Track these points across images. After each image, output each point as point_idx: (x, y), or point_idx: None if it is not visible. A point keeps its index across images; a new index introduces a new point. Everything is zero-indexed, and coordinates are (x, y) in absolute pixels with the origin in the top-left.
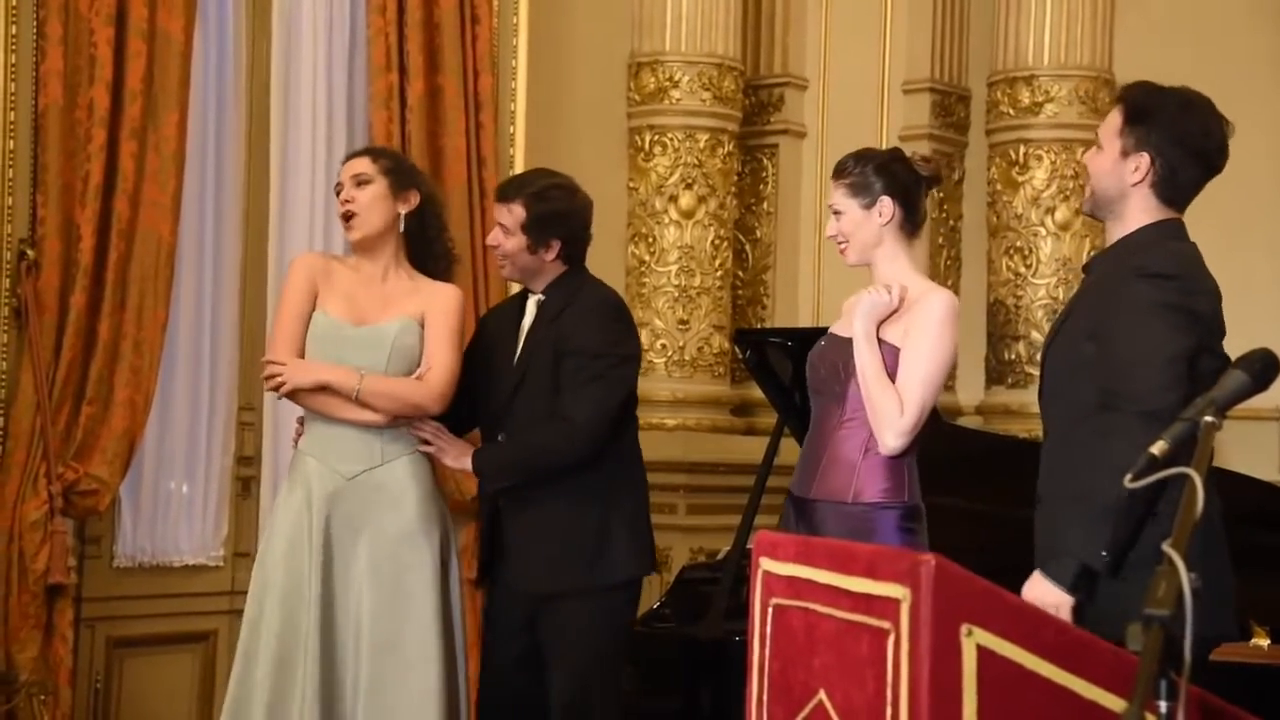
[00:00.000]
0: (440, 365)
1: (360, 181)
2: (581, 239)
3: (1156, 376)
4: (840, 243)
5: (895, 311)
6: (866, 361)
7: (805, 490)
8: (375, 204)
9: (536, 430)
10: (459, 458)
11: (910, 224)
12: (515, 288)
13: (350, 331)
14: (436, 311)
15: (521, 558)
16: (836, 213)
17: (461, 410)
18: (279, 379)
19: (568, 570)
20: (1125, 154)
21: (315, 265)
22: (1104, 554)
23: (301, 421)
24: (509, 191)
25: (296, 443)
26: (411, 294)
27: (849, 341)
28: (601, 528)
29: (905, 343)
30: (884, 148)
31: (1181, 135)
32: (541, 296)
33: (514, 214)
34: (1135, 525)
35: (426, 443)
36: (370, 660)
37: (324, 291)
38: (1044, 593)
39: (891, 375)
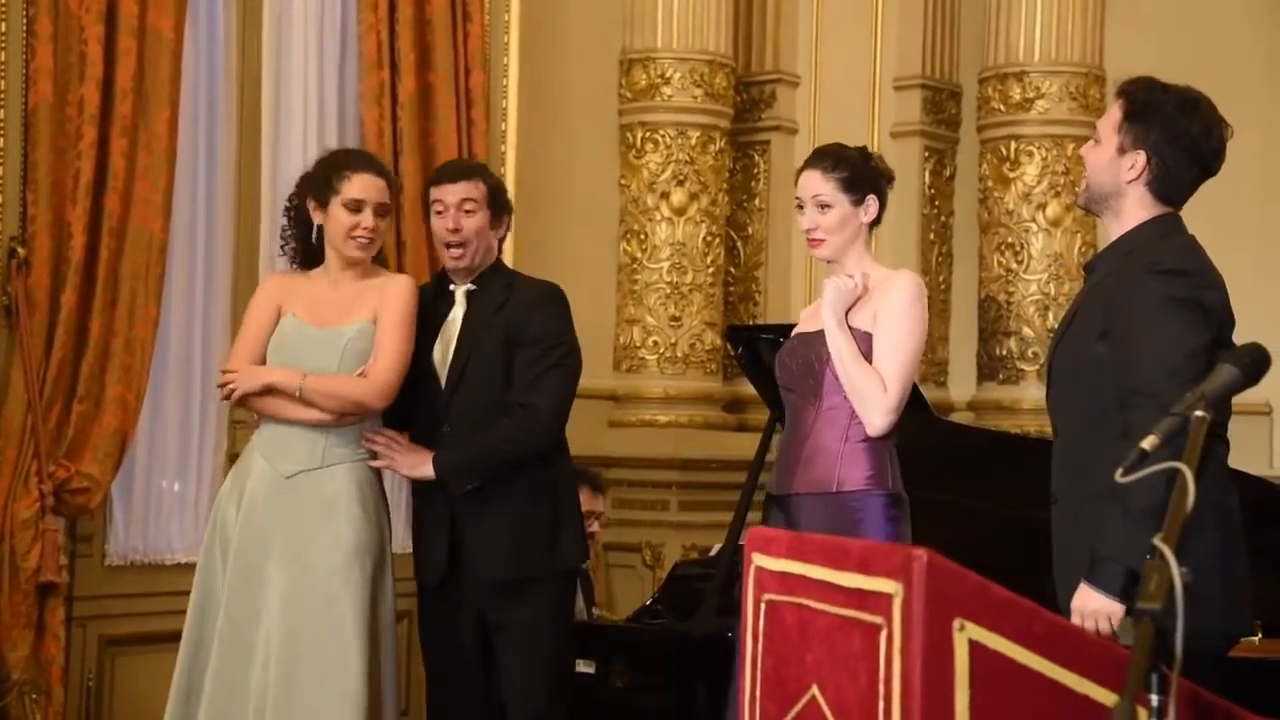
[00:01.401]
0: (383, 360)
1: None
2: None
3: (1177, 373)
4: (818, 237)
5: (860, 298)
6: (842, 347)
7: (787, 487)
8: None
9: (497, 425)
10: (416, 467)
11: (879, 221)
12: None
13: (308, 333)
14: (385, 305)
15: (479, 550)
16: (824, 206)
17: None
18: (231, 386)
19: (528, 555)
20: (1122, 150)
21: (280, 282)
22: (1150, 558)
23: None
24: (461, 172)
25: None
26: (367, 291)
27: (819, 334)
28: (553, 518)
29: (876, 326)
30: (854, 145)
31: (1179, 136)
32: (471, 286)
33: (479, 189)
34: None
35: (376, 456)
36: (281, 664)
37: (288, 302)
38: (1094, 602)
39: (865, 358)
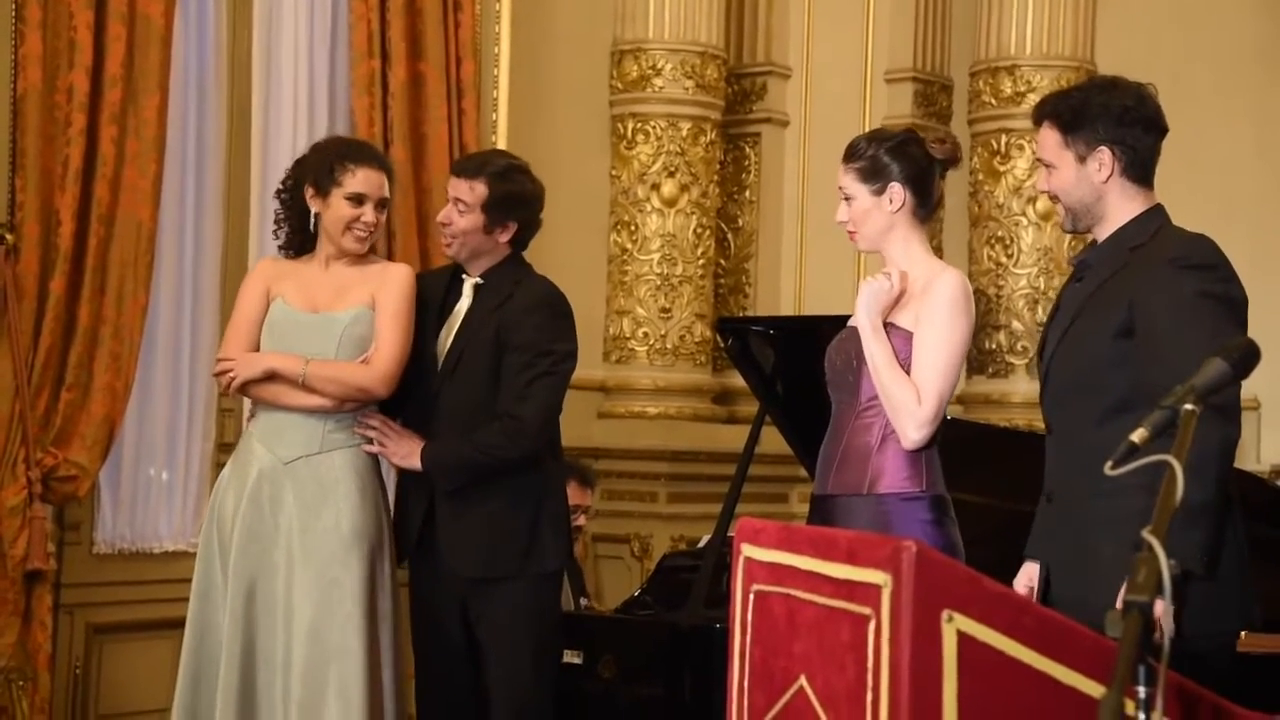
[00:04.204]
0: (386, 347)
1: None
2: (534, 225)
3: None
4: (848, 229)
5: (904, 295)
6: (876, 353)
7: (823, 487)
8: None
9: (486, 428)
10: (406, 457)
11: (923, 209)
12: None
13: (302, 319)
14: (386, 292)
15: (455, 544)
16: (846, 198)
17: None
18: (230, 375)
19: (502, 557)
20: (1082, 159)
21: (270, 268)
22: (1204, 557)
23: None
24: (470, 169)
25: (249, 424)
26: (363, 277)
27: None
28: (534, 519)
29: (916, 328)
30: (897, 130)
31: (1122, 113)
32: (479, 280)
33: (475, 191)
34: (1221, 522)
35: (371, 441)
36: (296, 645)
37: (278, 286)
38: None
39: (906, 361)
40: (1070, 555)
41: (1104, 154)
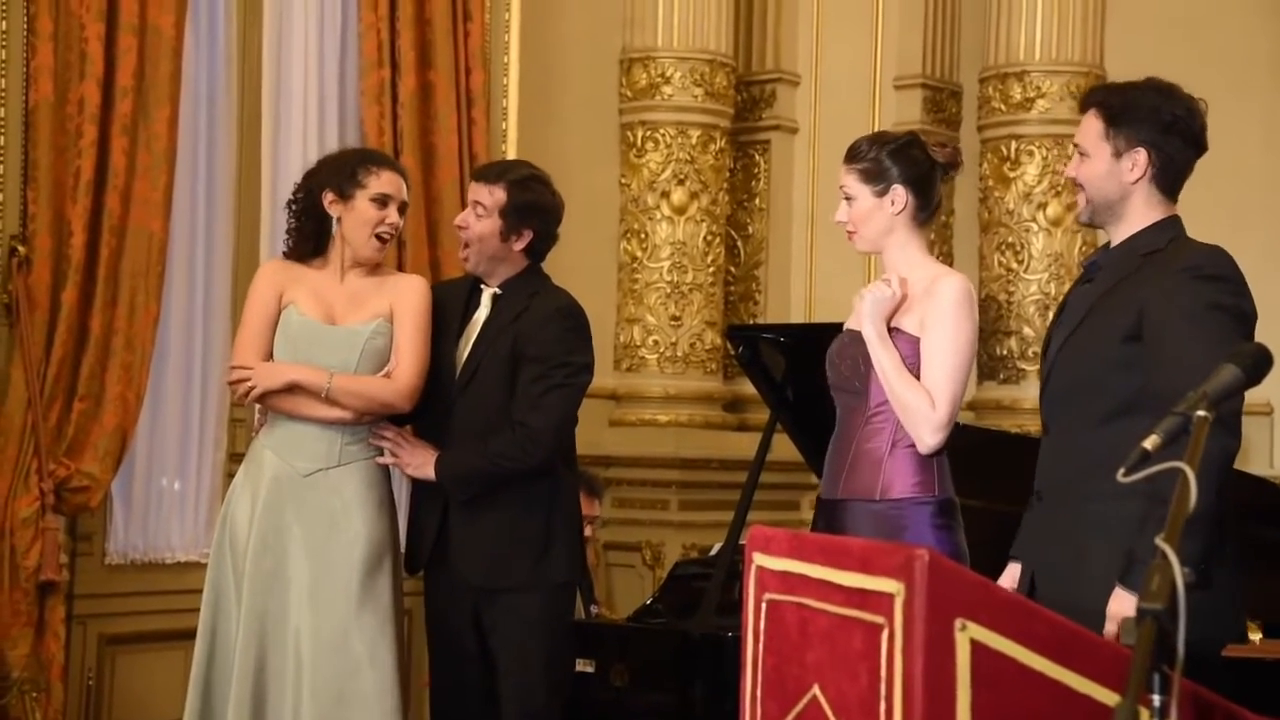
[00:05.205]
0: (408, 362)
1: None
2: (551, 236)
3: None
4: (849, 230)
5: (905, 299)
6: (884, 361)
7: (833, 491)
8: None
9: (498, 437)
10: (420, 468)
11: (924, 212)
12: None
13: (321, 330)
14: (403, 305)
15: (466, 552)
16: (848, 198)
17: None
18: (249, 384)
19: (513, 566)
20: (1118, 155)
21: (280, 270)
22: (1187, 568)
23: (264, 412)
24: (491, 174)
25: (257, 432)
26: (378, 288)
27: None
28: (547, 530)
29: (923, 333)
30: (900, 132)
31: (1171, 122)
32: (497, 290)
33: (494, 196)
34: (1214, 531)
35: (385, 452)
36: (314, 659)
37: (291, 291)
38: (1132, 606)
39: (912, 365)
40: (1059, 557)
41: (1140, 155)
